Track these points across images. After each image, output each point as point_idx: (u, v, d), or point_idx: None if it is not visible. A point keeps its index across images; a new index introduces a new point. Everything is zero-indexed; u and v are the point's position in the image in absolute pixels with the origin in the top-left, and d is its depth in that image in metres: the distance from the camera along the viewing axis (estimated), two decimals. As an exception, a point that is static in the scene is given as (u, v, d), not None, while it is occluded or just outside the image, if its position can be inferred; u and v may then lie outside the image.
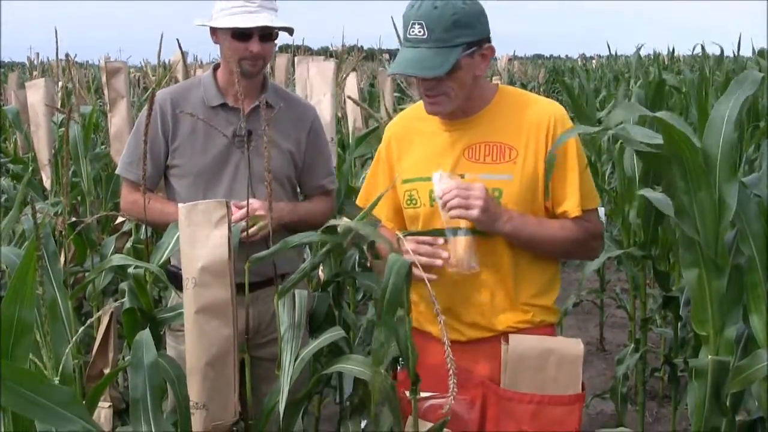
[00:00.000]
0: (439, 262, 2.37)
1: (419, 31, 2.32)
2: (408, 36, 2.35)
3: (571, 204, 2.44)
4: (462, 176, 2.41)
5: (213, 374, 2.15)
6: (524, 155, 2.42)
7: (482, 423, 2.46)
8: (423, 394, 2.31)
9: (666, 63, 14.72)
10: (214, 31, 2.97)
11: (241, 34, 2.90)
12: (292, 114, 3.07)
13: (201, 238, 2.17)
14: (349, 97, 4.65)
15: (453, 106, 2.43)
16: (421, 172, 2.49)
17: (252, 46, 2.90)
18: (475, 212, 2.29)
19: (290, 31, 3.04)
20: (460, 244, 2.38)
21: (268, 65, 3.23)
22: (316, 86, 4.28)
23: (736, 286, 2.23)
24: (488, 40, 2.42)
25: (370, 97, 8.52)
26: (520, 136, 2.43)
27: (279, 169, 2.93)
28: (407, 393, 2.32)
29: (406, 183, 2.56)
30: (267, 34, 2.94)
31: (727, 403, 2.29)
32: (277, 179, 2.86)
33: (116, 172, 3.24)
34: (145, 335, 2.17)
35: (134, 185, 2.97)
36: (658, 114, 2.08)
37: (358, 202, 2.78)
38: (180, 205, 2.20)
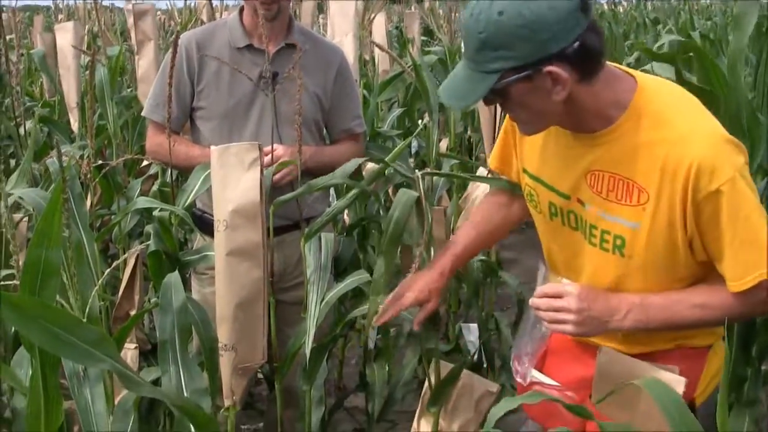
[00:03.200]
0: None
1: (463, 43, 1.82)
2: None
3: (729, 273, 1.83)
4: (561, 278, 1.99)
5: (243, 316, 2.15)
6: (656, 204, 1.83)
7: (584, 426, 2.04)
8: (540, 376, 2.22)
9: (697, 7, 14.45)
10: None
11: None
12: (318, 56, 3.02)
13: (233, 180, 2.15)
14: (374, 43, 4.58)
15: (540, 127, 1.95)
16: (542, 172, 2.07)
17: None
18: (568, 327, 1.89)
19: None
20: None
21: (293, 8, 3.16)
22: (337, 26, 4.18)
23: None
24: (551, 59, 1.73)
25: (398, 41, 8.42)
26: (651, 178, 1.83)
27: (305, 112, 2.87)
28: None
29: (526, 173, 2.13)
30: None
31: (753, 353, 2.29)
32: (303, 122, 2.82)
33: (142, 114, 3.23)
34: (174, 277, 2.17)
35: (159, 127, 2.95)
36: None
37: (490, 164, 2.34)
38: (212, 147, 2.18)
